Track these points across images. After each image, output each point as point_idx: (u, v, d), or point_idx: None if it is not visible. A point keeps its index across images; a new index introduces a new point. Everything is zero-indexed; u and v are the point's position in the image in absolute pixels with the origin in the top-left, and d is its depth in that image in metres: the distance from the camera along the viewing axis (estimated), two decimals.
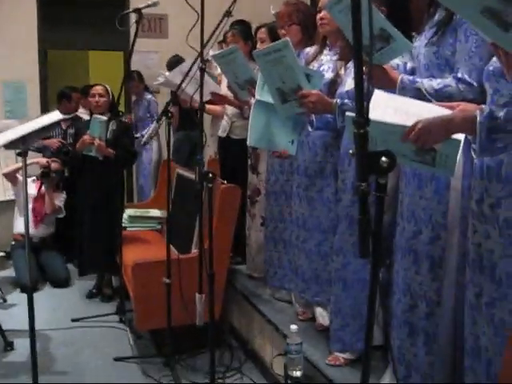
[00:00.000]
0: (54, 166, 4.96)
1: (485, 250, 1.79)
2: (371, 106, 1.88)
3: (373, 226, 1.20)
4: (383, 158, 1.17)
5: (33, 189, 5.03)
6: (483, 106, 1.76)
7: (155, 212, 4.64)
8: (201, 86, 2.37)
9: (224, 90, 3.85)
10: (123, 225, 4.60)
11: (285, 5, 3.35)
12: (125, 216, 4.69)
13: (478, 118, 1.60)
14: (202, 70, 2.38)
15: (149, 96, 5.78)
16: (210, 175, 2.41)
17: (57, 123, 2.78)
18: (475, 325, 1.85)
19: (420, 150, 1.74)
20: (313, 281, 3.04)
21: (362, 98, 1.16)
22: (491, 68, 1.82)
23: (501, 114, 1.59)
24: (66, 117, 5.25)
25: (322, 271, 2.97)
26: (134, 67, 5.83)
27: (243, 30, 3.94)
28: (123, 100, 5.94)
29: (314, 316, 3.14)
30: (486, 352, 1.81)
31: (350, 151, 1.21)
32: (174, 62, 4.92)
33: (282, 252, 3.42)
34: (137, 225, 4.75)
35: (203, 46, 2.37)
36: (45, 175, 4.85)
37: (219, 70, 3.87)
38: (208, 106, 3.97)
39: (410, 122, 1.67)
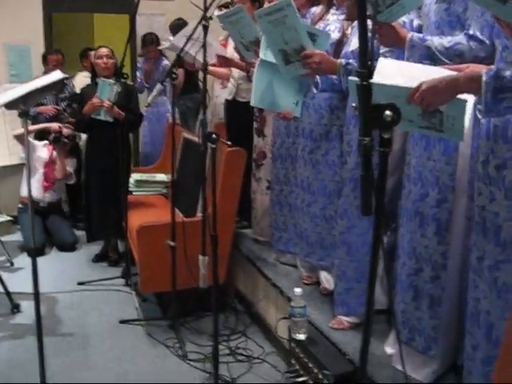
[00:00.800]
0: (65, 131, 4.92)
1: (489, 212, 1.75)
2: (376, 71, 1.85)
3: (376, 182, 1.16)
4: (387, 112, 1.12)
5: (44, 153, 5.00)
6: (492, 67, 1.70)
7: (161, 176, 4.61)
8: (204, 45, 2.32)
9: (230, 52, 3.78)
10: (129, 189, 4.59)
11: None
12: (131, 180, 4.67)
13: (484, 78, 1.55)
14: (206, 28, 2.31)
15: (164, 62, 5.61)
16: (214, 136, 2.37)
17: (60, 82, 2.73)
18: (477, 288, 1.83)
19: (426, 113, 1.70)
20: (318, 244, 3.02)
21: (365, 49, 1.11)
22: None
23: (508, 73, 1.54)
24: (67, 76, 5.16)
25: (327, 235, 2.94)
26: (139, 30, 5.74)
27: None
28: (129, 63, 5.85)
29: (319, 280, 3.12)
30: (487, 316, 1.78)
31: (353, 104, 1.17)
32: (177, 26, 4.82)
33: (288, 216, 3.40)
34: (143, 189, 4.72)
35: (207, 4, 2.30)
36: (56, 140, 4.83)
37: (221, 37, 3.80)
38: (213, 68, 3.90)
39: (415, 85, 1.63)
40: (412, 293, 2.21)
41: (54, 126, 4.91)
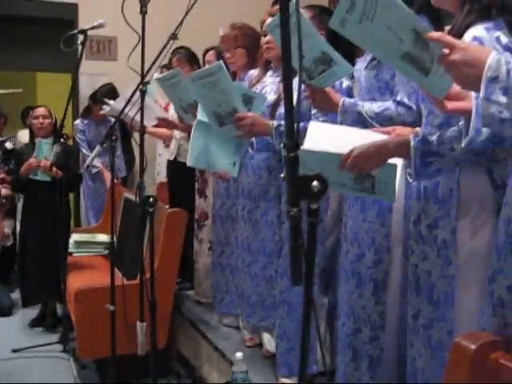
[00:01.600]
0: (3, 191, 4.76)
1: (422, 271, 1.78)
2: (307, 136, 1.90)
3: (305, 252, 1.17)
4: (314, 183, 1.14)
5: None
6: (418, 130, 1.77)
7: (102, 237, 4.52)
8: (141, 108, 2.33)
9: (171, 113, 3.81)
10: (69, 250, 4.48)
11: (231, 28, 3.35)
12: (71, 241, 4.56)
13: (412, 143, 1.62)
14: (143, 94, 2.34)
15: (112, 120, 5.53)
16: (151, 199, 2.36)
17: None
18: (412, 347, 1.84)
19: (358, 178, 1.76)
20: (259, 305, 2.99)
21: (292, 120, 1.13)
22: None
23: (434, 137, 1.61)
24: (3, 139, 5.10)
25: (268, 295, 2.93)
26: (82, 90, 5.73)
27: (188, 53, 3.93)
28: (70, 123, 5.81)
29: (262, 342, 3.09)
30: (422, 374, 1.79)
31: (282, 175, 1.19)
32: (107, 90, 4.83)
33: (229, 277, 3.37)
34: (83, 250, 4.61)
35: (144, 70, 2.33)
36: None
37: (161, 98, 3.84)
38: (154, 130, 3.92)
39: (346, 150, 1.69)
40: (351, 353, 2.21)
41: None
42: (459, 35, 1.59)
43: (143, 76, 2.32)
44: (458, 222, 1.66)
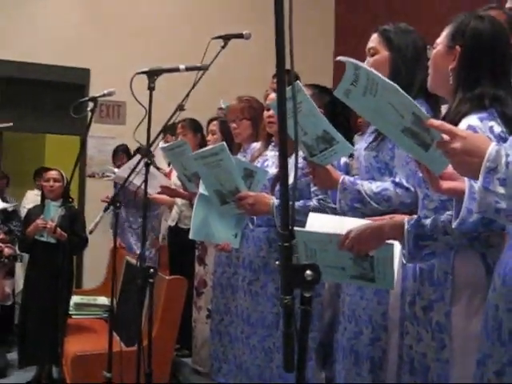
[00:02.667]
0: (6, 251, 4.77)
1: (416, 352, 1.79)
2: (307, 225, 1.96)
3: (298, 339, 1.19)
4: (308, 271, 1.17)
5: None
6: (414, 216, 1.81)
7: (103, 299, 4.52)
8: (145, 181, 2.39)
9: (174, 180, 3.88)
10: (69, 312, 4.47)
11: (238, 100, 3.45)
12: (71, 303, 4.56)
13: (406, 226, 1.66)
14: (147, 165, 2.40)
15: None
16: (152, 270, 2.38)
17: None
18: None
19: (357, 259, 1.80)
20: (257, 377, 2.96)
21: (286, 210, 1.17)
22: (421, 174, 1.88)
23: (428, 221, 1.65)
24: (6, 207, 5.16)
25: (266, 368, 2.90)
26: (89, 152, 5.85)
27: (192, 122, 4.03)
28: (77, 184, 5.90)
29: None
30: None
31: (277, 262, 1.22)
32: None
33: (228, 346, 3.35)
34: (83, 312, 4.61)
35: (150, 142, 2.40)
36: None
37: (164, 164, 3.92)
38: (157, 196, 3.98)
39: (344, 232, 1.74)
40: None
41: None
42: (455, 123, 1.65)
43: (149, 149, 2.38)
44: (452, 307, 1.68)
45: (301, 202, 2.61)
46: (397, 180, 2.11)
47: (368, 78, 1.41)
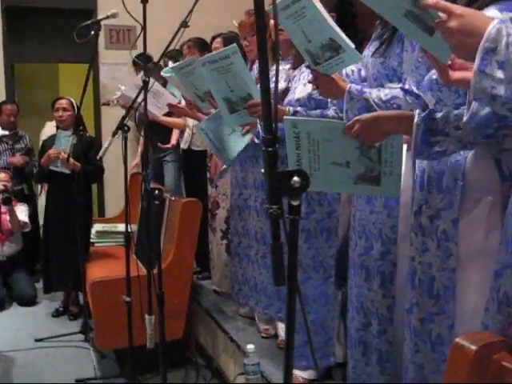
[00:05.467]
0: (5, 183, 4.73)
1: (422, 263, 1.71)
2: None
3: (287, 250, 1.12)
4: (295, 178, 1.09)
5: None
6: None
7: (123, 226, 4.53)
8: (145, 99, 2.30)
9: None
10: (91, 240, 4.51)
11: (247, 14, 3.28)
12: (93, 231, 4.60)
13: (416, 119, 1.54)
14: (145, 83, 2.30)
15: None
16: (157, 192, 2.33)
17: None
18: (408, 342, 1.78)
19: (364, 147, 1.73)
20: (275, 296, 2.96)
21: (269, 113, 1.08)
22: (434, 77, 1.75)
23: (439, 115, 1.53)
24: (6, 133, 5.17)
25: (284, 286, 2.88)
26: (103, 80, 5.75)
27: (198, 41, 3.86)
28: (92, 113, 5.83)
29: (277, 333, 3.05)
30: (420, 370, 1.73)
31: (262, 170, 1.14)
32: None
33: (247, 268, 3.33)
34: (105, 240, 4.66)
35: (146, 59, 2.30)
36: (7, 201, 4.63)
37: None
38: (167, 118, 3.88)
39: None
40: (361, 348, 2.16)
41: None
42: None
43: (146, 66, 2.28)
44: (460, 213, 1.59)
45: (318, 111, 2.50)
46: (406, 87, 1.97)
47: None
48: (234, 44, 2.49)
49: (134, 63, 4.70)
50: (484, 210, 1.56)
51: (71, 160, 3.89)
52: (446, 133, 1.53)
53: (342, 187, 2.00)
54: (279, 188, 1.09)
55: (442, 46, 1.29)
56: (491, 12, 1.47)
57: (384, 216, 2.02)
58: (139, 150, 4.73)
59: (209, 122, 2.96)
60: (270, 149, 1.08)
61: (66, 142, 3.92)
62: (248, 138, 2.84)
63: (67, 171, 3.99)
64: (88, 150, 4.13)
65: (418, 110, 1.60)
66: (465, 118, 1.38)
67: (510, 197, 1.41)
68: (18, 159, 5.17)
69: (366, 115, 1.66)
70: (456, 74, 1.38)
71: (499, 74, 1.15)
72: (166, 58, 3.70)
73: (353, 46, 2.00)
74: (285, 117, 1.79)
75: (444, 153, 1.58)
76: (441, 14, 1.20)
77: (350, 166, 1.78)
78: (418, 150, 1.57)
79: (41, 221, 4.83)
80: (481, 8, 1.52)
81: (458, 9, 1.20)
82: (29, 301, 4.75)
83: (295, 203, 1.10)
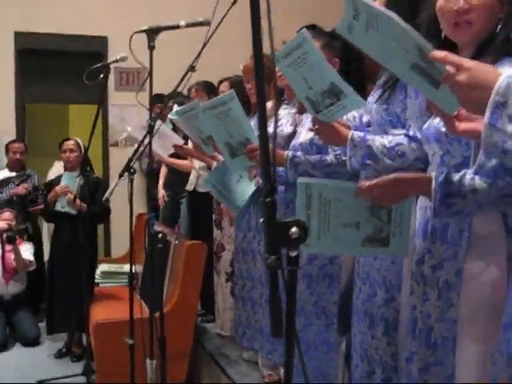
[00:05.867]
0: (9, 222, 4.74)
1: (421, 312, 1.69)
2: None
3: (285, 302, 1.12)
4: (293, 229, 1.09)
5: None
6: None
7: (129, 267, 4.52)
8: (150, 142, 2.33)
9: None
10: (96, 281, 4.51)
11: (252, 59, 3.33)
12: (98, 272, 4.60)
13: (434, 184, 1.53)
14: (151, 127, 2.33)
15: None
16: (161, 235, 2.34)
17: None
18: None
19: (375, 208, 1.71)
20: (279, 341, 2.92)
21: (268, 163, 1.09)
22: (443, 129, 1.73)
23: (456, 177, 1.52)
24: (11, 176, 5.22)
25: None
26: (111, 121, 5.82)
27: (206, 84, 3.92)
28: (100, 154, 5.89)
29: (281, 378, 3.01)
30: None
31: (261, 220, 1.14)
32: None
33: (250, 311, 3.30)
34: (110, 280, 4.65)
35: (152, 102, 2.33)
36: (11, 240, 4.65)
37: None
38: (173, 160, 3.91)
39: None
40: None
41: (1, 224, 4.70)
42: None
43: (151, 110, 2.31)
44: (464, 264, 1.58)
45: (317, 156, 2.50)
46: (410, 133, 1.97)
47: (367, 10, 1.28)
48: (232, 90, 2.53)
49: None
50: (489, 261, 1.55)
51: (77, 201, 3.91)
52: (463, 196, 1.52)
53: (349, 249, 1.97)
54: (278, 238, 1.09)
55: (448, 97, 1.28)
56: (506, 70, 1.46)
57: (388, 262, 2.01)
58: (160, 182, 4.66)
59: (214, 173, 2.98)
60: (268, 199, 1.08)
61: (73, 182, 3.96)
62: (254, 183, 2.86)
63: (73, 212, 4.01)
64: (94, 190, 4.16)
65: (434, 173, 1.58)
66: (472, 171, 1.37)
67: None
68: (20, 189, 5.21)
69: (383, 179, 1.63)
70: (462, 125, 1.38)
71: (510, 128, 1.15)
72: (173, 102, 3.75)
73: (354, 91, 2.01)
74: (298, 179, 1.78)
75: (462, 212, 1.57)
76: (449, 68, 1.20)
77: (360, 227, 1.77)
78: (437, 212, 1.55)
79: (45, 257, 4.85)
80: (493, 62, 1.51)
81: (466, 62, 1.19)
82: (32, 341, 4.71)
83: (293, 254, 1.09)
